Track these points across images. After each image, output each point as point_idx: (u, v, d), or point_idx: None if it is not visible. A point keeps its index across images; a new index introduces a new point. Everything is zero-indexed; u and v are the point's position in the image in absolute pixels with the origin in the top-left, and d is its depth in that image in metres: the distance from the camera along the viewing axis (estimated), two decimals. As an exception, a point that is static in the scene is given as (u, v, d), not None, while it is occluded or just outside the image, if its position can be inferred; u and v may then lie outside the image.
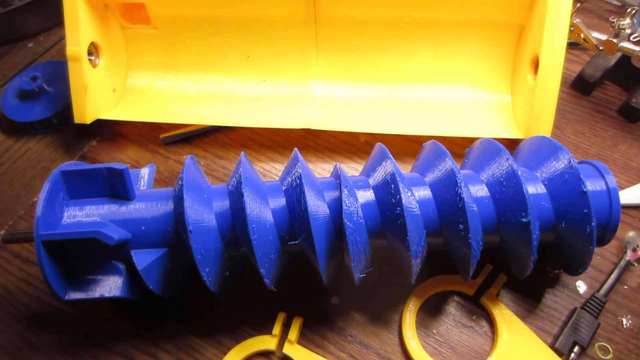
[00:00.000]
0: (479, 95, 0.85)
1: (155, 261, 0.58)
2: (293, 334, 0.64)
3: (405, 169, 0.63)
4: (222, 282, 0.60)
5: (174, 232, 0.58)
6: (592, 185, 0.60)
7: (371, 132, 0.82)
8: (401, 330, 0.65)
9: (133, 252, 0.57)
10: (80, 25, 0.78)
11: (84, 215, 0.59)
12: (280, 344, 0.64)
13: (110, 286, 0.59)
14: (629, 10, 0.83)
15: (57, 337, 0.67)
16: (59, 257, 0.57)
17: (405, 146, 0.82)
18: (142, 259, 0.57)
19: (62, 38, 1.04)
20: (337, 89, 0.88)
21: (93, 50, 0.82)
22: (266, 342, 0.64)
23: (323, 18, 0.85)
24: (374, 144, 0.66)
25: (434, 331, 0.66)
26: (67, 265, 0.58)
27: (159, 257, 0.58)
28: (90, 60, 0.81)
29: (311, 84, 0.88)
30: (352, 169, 0.81)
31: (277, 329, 0.64)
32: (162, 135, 0.85)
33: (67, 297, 0.58)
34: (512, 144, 0.67)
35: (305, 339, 0.66)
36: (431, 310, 0.67)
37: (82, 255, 0.59)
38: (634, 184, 0.78)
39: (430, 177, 0.62)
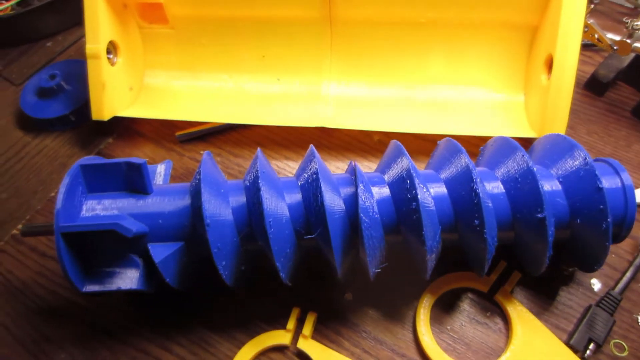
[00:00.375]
0: (492, 95, 0.85)
1: (172, 254, 0.58)
2: (307, 329, 0.64)
3: (418, 168, 0.62)
4: (238, 276, 0.60)
5: (190, 226, 0.58)
6: (608, 182, 0.60)
7: (385, 130, 0.82)
8: (415, 327, 0.65)
9: (150, 245, 0.57)
10: (99, 24, 0.79)
11: (103, 208, 0.59)
12: (295, 338, 0.64)
13: (127, 279, 0.58)
14: (642, 11, 0.82)
15: (73, 330, 0.67)
16: (78, 249, 0.57)
17: (419, 145, 0.82)
18: (160, 252, 0.57)
19: (80, 37, 1.04)
20: (351, 88, 0.88)
21: (111, 49, 0.82)
22: (280, 337, 0.64)
23: (338, 18, 0.85)
24: (387, 143, 0.66)
25: (448, 327, 0.65)
26: (85, 257, 0.58)
27: (176, 250, 0.58)
28: (108, 58, 0.81)
29: (325, 83, 0.88)
30: (365, 167, 0.81)
31: (291, 324, 0.64)
32: (178, 133, 0.85)
33: (84, 289, 0.58)
34: (525, 144, 0.67)
35: (319, 334, 0.65)
36: (445, 307, 0.67)
37: (100, 247, 0.58)
38: (648, 183, 0.77)
39: (445, 174, 0.61)
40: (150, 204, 0.59)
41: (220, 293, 0.67)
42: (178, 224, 0.58)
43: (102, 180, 0.60)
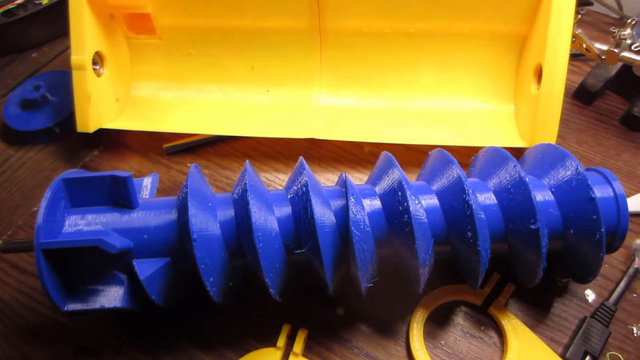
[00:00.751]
0: (483, 105, 0.84)
1: (157, 271, 0.55)
2: (298, 346, 0.61)
3: (409, 179, 0.61)
4: (226, 292, 0.57)
5: (177, 241, 0.55)
6: (600, 192, 0.58)
7: (375, 141, 0.80)
8: (409, 342, 0.62)
9: (135, 262, 0.54)
10: (85, 35, 0.76)
11: (86, 223, 0.56)
12: (285, 356, 0.61)
13: (111, 297, 0.55)
14: (629, 20, 0.82)
15: (54, 350, 0.64)
16: (59, 266, 0.54)
17: (409, 156, 0.80)
18: (145, 268, 0.54)
19: (66, 48, 1.02)
20: (341, 99, 0.86)
21: (97, 60, 0.80)
22: (270, 355, 0.61)
23: (327, 29, 0.83)
24: (377, 154, 0.64)
25: (442, 342, 0.63)
26: (67, 275, 0.55)
27: (162, 266, 0.55)
28: (94, 69, 0.79)
29: (315, 94, 0.86)
30: (356, 178, 0.79)
31: (281, 341, 0.61)
32: (165, 145, 0.82)
33: (66, 308, 0.54)
34: (516, 154, 0.65)
35: (310, 352, 0.63)
36: (439, 321, 0.64)
37: (83, 264, 0.55)
38: (639, 191, 0.76)
39: (437, 185, 0.60)
40: (135, 218, 0.56)
41: (207, 310, 0.65)
42: (164, 240, 0.56)
43: (85, 195, 0.57)
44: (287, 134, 0.80)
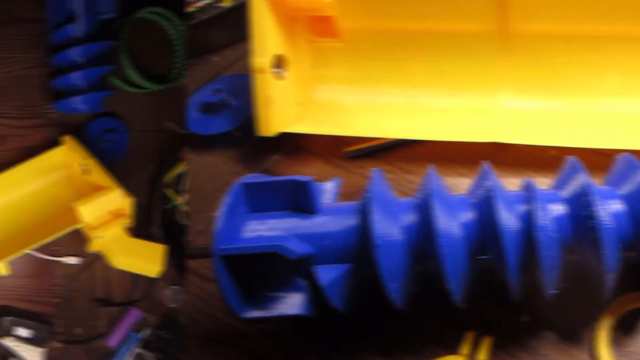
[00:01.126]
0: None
1: (339, 277, 0.55)
2: (482, 353, 0.61)
3: (595, 184, 0.59)
4: (408, 298, 0.57)
5: (359, 247, 0.56)
6: None
7: (560, 145, 0.77)
8: (595, 349, 0.61)
9: (317, 268, 0.55)
10: (267, 37, 0.78)
11: (266, 229, 0.57)
12: (470, 364, 0.61)
13: (292, 303, 0.56)
14: None
15: (232, 357, 0.66)
16: (238, 273, 0.56)
17: (595, 160, 0.76)
18: (326, 274, 0.55)
19: (246, 52, 1.03)
20: (526, 102, 0.84)
21: (279, 63, 0.81)
22: (455, 363, 0.61)
23: (513, 32, 0.82)
24: (562, 158, 0.63)
25: (630, 349, 0.61)
26: (246, 281, 0.57)
27: (343, 272, 0.56)
28: (276, 72, 0.80)
29: (499, 97, 0.85)
30: (540, 183, 0.75)
31: (465, 349, 0.61)
32: (347, 149, 0.83)
33: (245, 315, 0.56)
34: None
35: (496, 359, 0.62)
36: (625, 328, 0.62)
37: (262, 271, 0.57)
38: None
39: (623, 190, 0.58)
40: (316, 224, 0.58)
41: (387, 315, 0.63)
42: (345, 245, 0.56)
43: (265, 199, 0.59)
44: (470, 137, 0.79)
